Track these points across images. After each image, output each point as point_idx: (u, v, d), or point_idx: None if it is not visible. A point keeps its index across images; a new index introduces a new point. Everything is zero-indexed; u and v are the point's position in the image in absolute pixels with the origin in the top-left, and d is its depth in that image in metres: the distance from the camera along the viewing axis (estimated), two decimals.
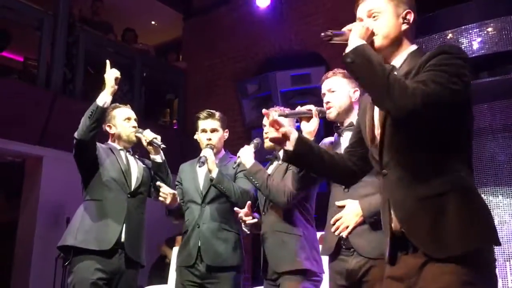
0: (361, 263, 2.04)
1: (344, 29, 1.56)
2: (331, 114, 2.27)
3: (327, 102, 2.29)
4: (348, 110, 2.28)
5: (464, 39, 3.97)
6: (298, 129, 2.29)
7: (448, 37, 4.03)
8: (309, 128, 2.25)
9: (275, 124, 1.63)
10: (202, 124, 2.87)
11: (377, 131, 1.55)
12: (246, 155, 2.55)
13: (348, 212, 2.09)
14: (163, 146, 2.76)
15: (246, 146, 2.61)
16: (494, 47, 3.89)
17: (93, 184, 2.72)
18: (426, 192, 1.41)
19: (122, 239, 2.65)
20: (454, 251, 1.35)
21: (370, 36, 1.53)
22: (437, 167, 1.43)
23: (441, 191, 1.40)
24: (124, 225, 2.66)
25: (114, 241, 2.61)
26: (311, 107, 2.27)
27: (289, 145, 1.63)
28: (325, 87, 2.33)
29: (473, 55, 3.94)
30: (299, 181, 2.29)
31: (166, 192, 2.66)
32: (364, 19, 1.59)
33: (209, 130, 2.85)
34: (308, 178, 2.27)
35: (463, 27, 4.02)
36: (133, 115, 2.89)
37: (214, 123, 2.86)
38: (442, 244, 1.36)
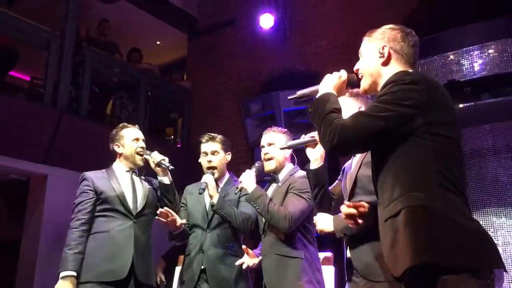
0: (367, 286, 2.04)
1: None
2: None
3: None
4: None
5: (466, 60, 4.01)
6: (303, 148, 2.30)
7: (450, 59, 4.07)
8: (316, 155, 2.24)
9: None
10: (203, 147, 2.91)
11: None
12: (248, 180, 2.57)
13: (321, 221, 2.17)
14: (171, 167, 2.75)
15: (247, 171, 2.62)
16: (495, 68, 3.92)
17: (97, 217, 2.69)
18: (387, 215, 1.49)
19: (134, 265, 2.61)
20: (404, 269, 1.35)
21: (342, 83, 1.78)
22: (397, 190, 1.47)
23: (395, 212, 1.44)
24: (134, 251, 2.63)
25: (127, 269, 2.58)
26: (314, 134, 2.27)
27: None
28: None
29: (475, 77, 3.97)
30: (320, 203, 2.27)
31: (169, 212, 2.63)
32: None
33: (210, 152, 2.88)
34: (327, 198, 2.27)
35: (465, 48, 4.06)
36: (141, 135, 2.87)
37: (215, 146, 2.89)
38: (394, 265, 1.41)
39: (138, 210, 2.72)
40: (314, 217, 2.24)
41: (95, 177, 2.74)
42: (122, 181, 2.76)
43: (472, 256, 1.32)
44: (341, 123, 1.50)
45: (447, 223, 1.36)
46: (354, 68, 1.81)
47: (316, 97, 1.67)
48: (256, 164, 2.70)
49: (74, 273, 2.51)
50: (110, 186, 2.71)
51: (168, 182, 2.78)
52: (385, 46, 1.71)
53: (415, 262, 1.31)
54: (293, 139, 2.60)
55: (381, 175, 1.55)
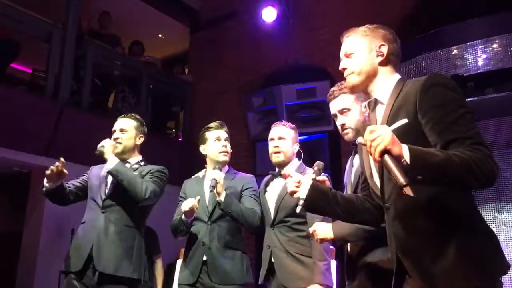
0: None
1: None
2: (348, 135, 2.22)
3: (342, 125, 2.23)
4: (363, 126, 2.29)
5: (469, 55, 3.99)
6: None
7: (453, 53, 4.04)
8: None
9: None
10: (216, 133, 2.86)
11: (374, 166, 1.58)
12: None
13: (320, 230, 2.15)
14: (101, 149, 2.67)
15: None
16: (499, 63, 3.90)
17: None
18: (427, 229, 1.41)
19: (92, 257, 2.58)
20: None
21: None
22: (440, 203, 1.42)
23: (444, 232, 1.39)
24: (96, 242, 2.59)
25: (83, 261, 2.57)
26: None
27: (302, 193, 1.67)
28: (334, 107, 2.25)
29: (478, 71, 3.95)
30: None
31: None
32: (343, 59, 1.69)
33: (224, 138, 2.86)
34: None
35: (469, 43, 4.04)
36: (117, 126, 2.85)
37: (226, 134, 2.89)
38: (439, 282, 1.36)
39: (104, 199, 2.70)
40: (311, 228, 2.19)
41: (90, 171, 2.89)
42: (102, 172, 2.79)
43: (501, 269, 1.42)
44: (490, 160, 1.32)
45: (486, 245, 1.41)
46: (341, 67, 1.69)
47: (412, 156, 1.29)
48: (315, 168, 2.17)
49: None
50: (94, 177, 2.81)
51: (106, 172, 2.67)
52: (383, 45, 1.63)
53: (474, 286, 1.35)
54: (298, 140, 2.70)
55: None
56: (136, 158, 2.85)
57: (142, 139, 2.87)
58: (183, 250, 2.90)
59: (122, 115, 2.91)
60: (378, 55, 1.63)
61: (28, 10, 5.25)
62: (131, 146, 2.83)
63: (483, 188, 1.40)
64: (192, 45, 7.48)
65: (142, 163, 2.83)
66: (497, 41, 3.94)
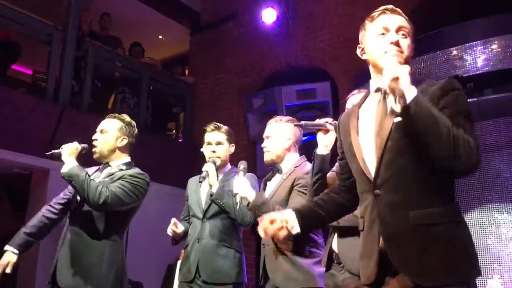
0: (352, 280, 2.05)
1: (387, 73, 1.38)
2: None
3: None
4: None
5: (469, 56, 3.99)
6: (314, 139, 2.29)
7: (453, 54, 4.05)
8: (326, 141, 2.21)
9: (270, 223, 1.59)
10: (208, 136, 2.88)
11: (372, 151, 1.54)
12: (243, 188, 2.44)
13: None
14: (58, 151, 2.52)
15: (236, 178, 2.50)
16: (498, 64, 3.90)
17: None
18: (419, 219, 1.42)
19: (56, 271, 2.45)
20: (441, 281, 1.38)
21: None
22: (432, 195, 1.44)
23: (435, 221, 1.42)
24: (60, 255, 2.46)
25: (51, 272, 2.46)
26: (329, 119, 2.24)
27: (295, 229, 1.62)
28: (351, 103, 2.30)
29: (478, 72, 3.95)
30: (314, 193, 2.23)
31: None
32: (391, 30, 1.58)
33: (214, 142, 2.85)
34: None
35: (468, 44, 4.04)
36: (98, 127, 2.71)
37: (220, 136, 2.87)
38: (428, 273, 1.38)
39: (72, 209, 2.58)
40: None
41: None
42: None
43: (478, 267, 1.48)
44: (472, 142, 1.39)
45: (471, 239, 1.49)
46: (394, 40, 1.54)
47: (414, 97, 1.35)
48: (241, 166, 2.54)
49: None
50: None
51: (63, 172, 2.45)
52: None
53: (461, 279, 1.40)
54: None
55: (413, 174, 1.45)
56: (120, 160, 2.64)
57: (125, 141, 2.65)
58: (183, 251, 2.91)
59: (108, 115, 2.76)
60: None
61: (29, 12, 5.26)
62: (110, 148, 2.62)
63: (457, 171, 1.42)
64: (192, 46, 7.49)
65: (124, 167, 2.60)
66: (496, 42, 3.95)
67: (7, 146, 4.89)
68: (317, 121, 2.27)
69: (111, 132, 2.65)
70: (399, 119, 1.43)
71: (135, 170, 2.60)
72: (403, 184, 1.46)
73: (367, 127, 1.58)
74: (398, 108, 1.34)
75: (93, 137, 2.66)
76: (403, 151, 1.45)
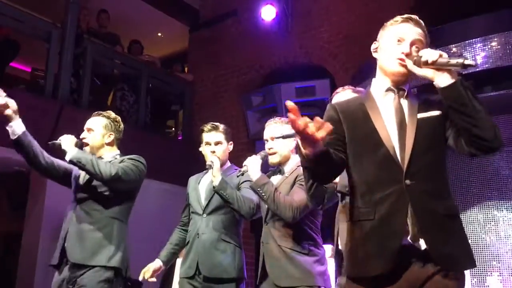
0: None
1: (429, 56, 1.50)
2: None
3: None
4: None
5: (468, 53, 3.99)
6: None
7: (452, 51, 4.05)
8: None
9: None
10: (206, 137, 2.88)
11: (396, 142, 1.57)
12: (254, 166, 2.51)
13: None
14: (58, 141, 2.63)
15: (253, 156, 2.57)
16: (498, 61, 3.90)
17: None
18: (444, 211, 1.55)
19: (65, 249, 2.58)
20: (464, 267, 1.55)
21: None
22: (448, 188, 1.61)
23: (454, 213, 1.58)
24: (68, 235, 2.59)
25: (59, 252, 2.59)
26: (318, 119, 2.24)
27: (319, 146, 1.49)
28: (336, 100, 2.25)
29: (477, 70, 3.94)
30: (313, 195, 2.18)
31: None
32: (406, 41, 1.62)
33: (213, 143, 2.86)
34: (320, 190, 2.19)
35: (467, 41, 4.04)
36: (85, 126, 2.82)
37: (218, 136, 2.87)
38: (455, 260, 1.51)
39: (78, 192, 2.70)
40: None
41: None
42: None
43: None
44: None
45: None
46: (406, 50, 1.60)
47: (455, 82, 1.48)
48: (262, 152, 2.63)
49: None
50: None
51: (67, 159, 2.56)
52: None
53: (473, 266, 1.59)
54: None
55: (439, 167, 1.60)
56: (110, 153, 2.78)
57: (112, 137, 2.79)
58: (183, 250, 2.92)
59: (93, 113, 2.87)
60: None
61: (28, 10, 5.24)
62: (98, 145, 2.77)
63: (490, 145, 1.52)
64: (192, 43, 7.48)
65: (118, 157, 2.76)
66: (496, 39, 3.95)
67: (6, 144, 4.87)
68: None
69: (97, 130, 2.79)
70: (424, 114, 1.57)
71: (131, 155, 2.76)
72: (432, 176, 1.57)
73: (388, 121, 1.62)
74: (447, 80, 1.47)
75: (81, 136, 2.78)
76: (428, 145, 1.57)
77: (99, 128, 2.79)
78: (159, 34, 7.94)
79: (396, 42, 1.63)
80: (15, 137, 2.60)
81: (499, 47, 3.93)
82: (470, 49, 4.01)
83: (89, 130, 2.78)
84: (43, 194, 5.20)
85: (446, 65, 1.46)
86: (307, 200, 2.28)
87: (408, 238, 1.52)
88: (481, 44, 3.99)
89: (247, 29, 6.60)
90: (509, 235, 3.59)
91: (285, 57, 6.30)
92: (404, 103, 1.64)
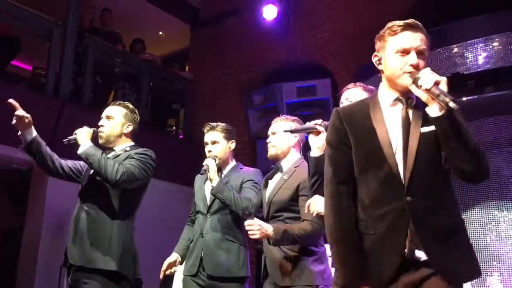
0: None
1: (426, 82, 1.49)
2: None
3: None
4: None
5: (470, 53, 3.99)
6: (306, 138, 2.29)
7: (454, 51, 4.04)
8: (319, 143, 2.20)
9: None
10: (205, 137, 2.93)
11: (400, 158, 1.58)
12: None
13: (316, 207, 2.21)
14: (73, 136, 2.66)
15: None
16: (499, 61, 3.90)
17: None
18: (446, 227, 1.55)
19: (68, 249, 2.56)
20: (465, 280, 1.57)
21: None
22: (451, 202, 1.61)
23: (456, 228, 1.59)
24: (72, 235, 2.56)
25: (64, 254, 2.58)
26: (318, 121, 2.23)
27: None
28: (346, 97, 2.26)
29: (479, 70, 3.95)
30: (316, 192, 2.22)
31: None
32: (412, 51, 1.60)
33: (210, 142, 2.89)
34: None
35: (469, 41, 4.04)
36: (104, 113, 2.79)
37: (215, 135, 2.89)
38: (456, 274, 1.53)
39: (81, 190, 2.69)
40: (308, 200, 2.22)
41: None
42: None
43: None
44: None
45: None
46: (414, 62, 1.59)
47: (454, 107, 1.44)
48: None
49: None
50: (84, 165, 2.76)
51: (79, 152, 2.56)
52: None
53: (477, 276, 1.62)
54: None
55: (442, 182, 1.61)
56: (123, 144, 2.72)
57: (130, 128, 2.75)
58: None
59: (112, 103, 2.83)
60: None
61: (29, 7, 5.24)
62: (117, 134, 2.72)
63: (470, 177, 1.56)
64: (193, 42, 7.48)
65: (128, 149, 2.69)
66: (497, 39, 3.95)
67: (7, 142, 4.88)
68: (307, 124, 2.28)
69: (117, 119, 2.73)
70: (427, 128, 1.55)
71: (140, 149, 2.70)
72: (434, 192, 1.57)
73: (392, 135, 1.61)
74: (435, 111, 1.47)
75: (100, 123, 2.73)
76: (430, 161, 1.56)
77: (119, 117, 2.74)
78: (161, 33, 7.94)
79: (400, 54, 1.60)
80: (26, 144, 2.75)
81: (500, 47, 3.93)
82: (471, 49, 4.01)
83: (108, 117, 2.73)
84: (44, 191, 5.21)
85: (436, 97, 1.45)
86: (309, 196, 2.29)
87: (405, 255, 1.54)
88: (483, 44, 3.98)
89: (249, 28, 6.60)
90: (510, 235, 3.59)
91: (286, 56, 6.30)
92: (411, 114, 1.63)
